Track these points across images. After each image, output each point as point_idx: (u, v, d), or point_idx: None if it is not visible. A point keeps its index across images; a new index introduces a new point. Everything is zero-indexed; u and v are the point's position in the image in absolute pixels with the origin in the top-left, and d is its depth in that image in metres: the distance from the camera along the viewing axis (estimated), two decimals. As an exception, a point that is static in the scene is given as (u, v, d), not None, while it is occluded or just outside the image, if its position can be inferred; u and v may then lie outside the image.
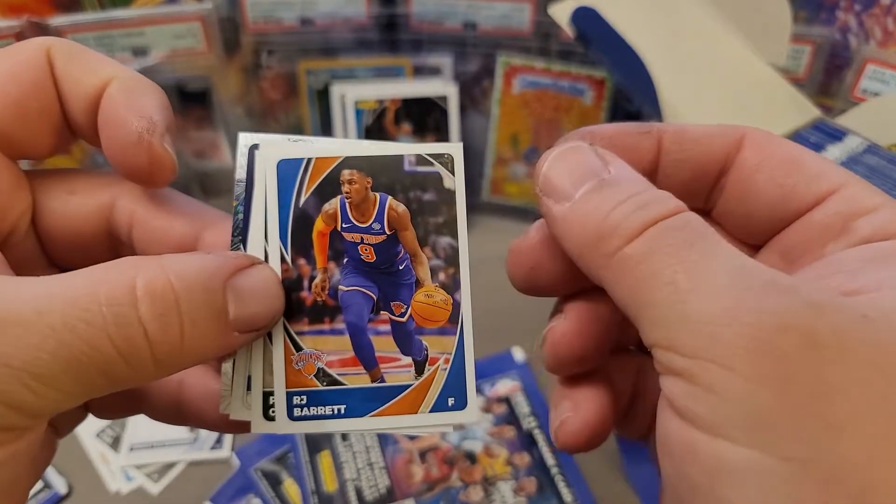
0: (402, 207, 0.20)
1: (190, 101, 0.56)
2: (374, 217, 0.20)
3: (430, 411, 0.20)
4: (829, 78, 0.53)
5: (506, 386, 0.45)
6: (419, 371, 0.20)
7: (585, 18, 0.43)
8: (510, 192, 0.62)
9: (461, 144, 0.21)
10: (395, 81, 0.58)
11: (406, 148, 0.20)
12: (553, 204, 0.18)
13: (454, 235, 0.20)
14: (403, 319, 0.20)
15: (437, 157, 0.20)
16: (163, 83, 0.58)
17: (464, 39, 0.57)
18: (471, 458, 0.41)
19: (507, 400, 0.44)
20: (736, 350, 0.13)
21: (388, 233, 0.20)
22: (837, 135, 0.42)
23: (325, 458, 0.40)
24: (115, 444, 0.44)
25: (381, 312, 0.20)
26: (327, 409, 0.19)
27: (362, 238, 0.20)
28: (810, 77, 0.52)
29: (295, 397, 0.19)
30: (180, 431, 0.44)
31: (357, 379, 0.19)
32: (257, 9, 0.55)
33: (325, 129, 0.60)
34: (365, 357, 0.20)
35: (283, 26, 0.56)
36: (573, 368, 0.20)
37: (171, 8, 0.54)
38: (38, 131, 0.20)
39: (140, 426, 0.44)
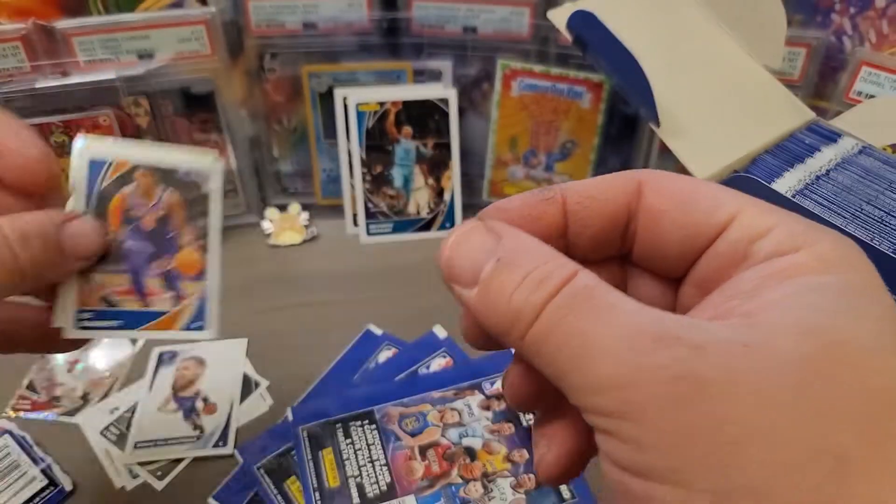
0: (175, 197, 0.29)
1: (194, 103, 0.57)
2: (153, 201, 0.29)
3: (181, 329, 0.30)
4: (823, 80, 0.53)
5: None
6: (175, 303, 0.30)
7: (582, 22, 0.43)
8: (509, 193, 0.63)
9: (221, 164, 0.30)
10: (396, 85, 0.59)
11: (179, 160, 0.29)
12: (462, 290, 0.19)
13: (206, 218, 0.30)
14: (169, 268, 0.30)
15: (198, 172, 0.30)
16: (167, 86, 0.59)
17: (464, 43, 0.58)
18: (471, 454, 0.41)
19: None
20: (642, 407, 0.15)
21: (163, 212, 0.30)
22: (832, 136, 0.43)
23: (327, 456, 0.41)
24: (120, 441, 0.44)
25: (154, 263, 0.30)
26: (108, 323, 0.29)
27: (146, 214, 0.30)
28: (805, 79, 0.53)
29: (84, 313, 0.29)
30: (184, 429, 0.45)
31: (132, 304, 0.30)
32: (261, 13, 0.56)
33: (329, 130, 0.61)
34: (139, 290, 0.30)
35: (286, 30, 0.57)
36: (533, 406, 0.22)
37: (176, 12, 0.55)
38: None
39: (145, 424, 0.45)
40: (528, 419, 0.42)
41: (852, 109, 0.47)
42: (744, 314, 0.16)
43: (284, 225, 0.62)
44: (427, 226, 0.62)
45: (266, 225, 0.62)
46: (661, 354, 0.15)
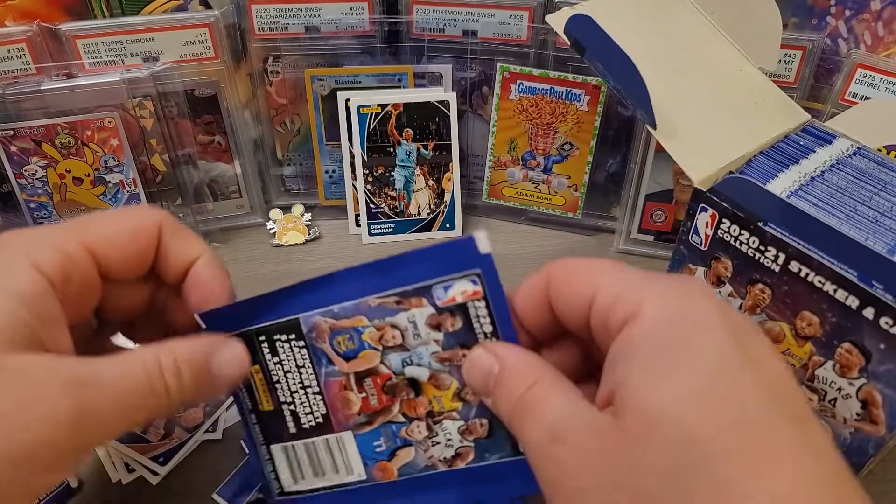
0: None
1: (198, 106, 0.58)
2: None
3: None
4: (819, 82, 0.54)
5: (462, 290, 0.29)
6: None
7: (580, 26, 0.43)
8: (507, 194, 0.63)
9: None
10: (397, 88, 0.59)
11: None
12: (485, 398, 0.28)
13: None
14: None
15: None
16: (172, 88, 0.59)
17: (464, 47, 0.58)
18: (415, 387, 0.32)
19: (462, 309, 0.29)
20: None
21: None
22: (827, 138, 0.43)
23: (257, 374, 0.34)
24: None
25: None
26: None
27: None
28: (801, 82, 0.53)
29: None
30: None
31: None
32: (264, 17, 0.56)
33: (331, 132, 0.61)
34: None
35: (288, 34, 0.57)
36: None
37: (180, 15, 0.55)
38: (131, 273, 0.31)
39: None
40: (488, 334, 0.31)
41: (847, 111, 0.47)
42: (604, 399, 0.23)
43: (288, 225, 0.62)
44: (428, 226, 0.62)
45: (270, 225, 0.62)
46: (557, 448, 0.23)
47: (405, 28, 0.57)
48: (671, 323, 0.21)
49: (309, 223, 0.63)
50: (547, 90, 0.57)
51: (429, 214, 0.62)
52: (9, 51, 0.52)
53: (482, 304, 0.28)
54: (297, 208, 0.63)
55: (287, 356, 0.33)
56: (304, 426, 0.34)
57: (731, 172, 0.40)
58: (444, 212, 0.62)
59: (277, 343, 0.33)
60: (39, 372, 0.24)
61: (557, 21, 0.45)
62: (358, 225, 0.62)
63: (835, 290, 0.34)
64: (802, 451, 0.19)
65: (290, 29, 0.57)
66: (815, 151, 0.42)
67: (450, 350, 0.30)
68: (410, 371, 0.31)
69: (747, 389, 0.20)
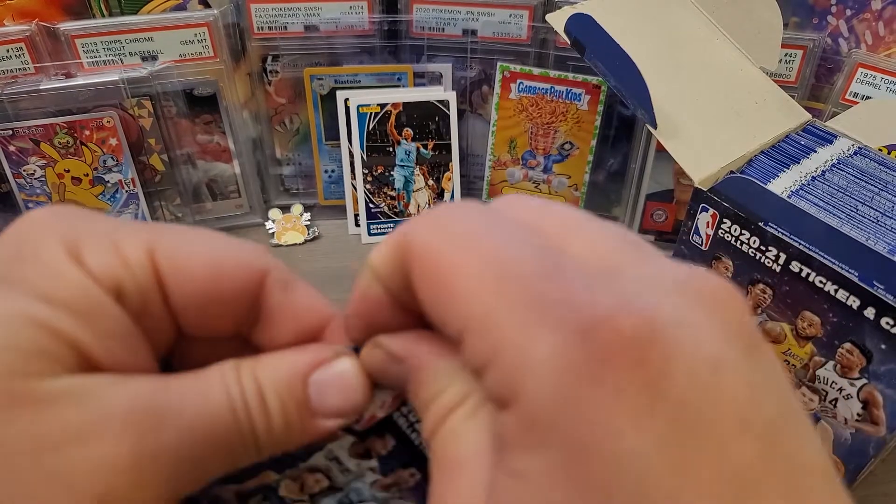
0: None
1: (197, 105, 0.57)
2: None
3: None
4: (819, 82, 0.54)
5: (382, 402, 0.22)
6: None
7: (580, 25, 0.43)
8: (508, 194, 0.63)
9: None
10: (397, 87, 0.59)
11: None
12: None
13: None
14: None
15: None
16: (171, 88, 0.59)
17: (463, 46, 0.58)
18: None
19: (389, 425, 0.22)
20: None
21: None
22: (828, 137, 0.43)
23: None
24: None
25: None
26: None
27: None
28: (801, 81, 0.53)
29: None
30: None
31: None
32: (263, 16, 0.56)
33: (331, 132, 0.61)
34: None
35: (288, 33, 0.57)
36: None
37: (179, 14, 0.55)
38: (209, 327, 0.20)
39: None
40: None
41: (848, 111, 0.47)
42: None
43: (287, 225, 0.62)
44: (427, 226, 0.62)
45: (269, 225, 0.62)
46: None
47: (405, 27, 0.57)
48: (562, 432, 0.13)
49: (308, 223, 0.62)
50: (547, 90, 0.57)
51: (428, 214, 0.62)
52: (7, 50, 0.52)
53: (407, 407, 0.21)
54: (297, 208, 0.63)
55: None
56: None
57: (731, 172, 0.40)
58: (443, 211, 0.62)
59: None
60: (92, 401, 0.16)
61: (558, 20, 0.45)
62: (357, 225, 0.62)
63: (836, 291, 0.34)
64: None
65: (290, 28, 0.57)
66: (815, 151, 0.42)
67: (392, 474, 0.23)
68: None
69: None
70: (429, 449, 0.18)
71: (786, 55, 0.52)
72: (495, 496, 0.14)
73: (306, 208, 0.63)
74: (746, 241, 0.38)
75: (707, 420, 0.13)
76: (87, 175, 0.55)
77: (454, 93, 0.58)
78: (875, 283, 0.33)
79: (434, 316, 0.16)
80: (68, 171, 0.55)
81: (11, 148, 0.53)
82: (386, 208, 0.61)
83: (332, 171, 0.63)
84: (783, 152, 0.42)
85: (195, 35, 0.54)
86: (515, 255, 0.15)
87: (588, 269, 0.15)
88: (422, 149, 0.60)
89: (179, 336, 0.20)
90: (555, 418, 0.13)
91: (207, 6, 0.57)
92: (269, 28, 0.57)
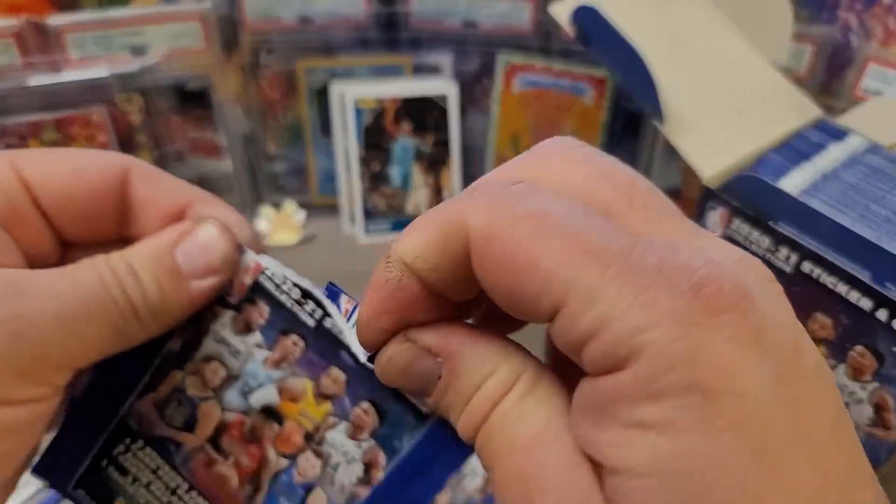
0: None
1: (189, 100, 0.57)
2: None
3: None
4: (830, 77, 0.54)
5: (245, 267, 0.24)
6: None
7: (586, 17, 0.43)
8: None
9: None
10: (394, 80, 0.58)
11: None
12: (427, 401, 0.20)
13: None
14: None
15: None
16: (162, 83, 0.58)
17: (464, 38, 0.58)
18: (274, 416, 0.26)
19: (259, 290, 0.24)
20: None
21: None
22: (839, 134, 0.43)
23: None
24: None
25: None
26: None
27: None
28: (812, 76, 0.53)
29: None
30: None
31: None
32: (256, 7, 0.56)
33: (325, 127, 0.60)
34: None
35: (281, 25, 0.57)
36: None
37: (170, 7, 0.55)
38: (87, 233, 0.23)
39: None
40: (311, 311, 0.24)
41: (859, 107, 0.47)
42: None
43: (280, 224, 0.62)
44: (426, 225, 0.62)
45: (261, 224, 0.62)
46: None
47: (403, 18, 0.57)
48: (681, 381, 0.14)
49: (302, 222, 0.62)
50: (551, 83, 0.57)
51: (427, 212, 0.61)
52: (-5, 44, 0.51)
53: (271, 269, 0.24)
54: (290, 206, 0.63)
55: (137, 467, 0.27)
56: None
57: (741, 169, 0.40)
58: (442, 210, 0.61)
59: (120, 459, 0.26)
60: None
61: (562, 11, 0.45)
62: (353, 223, 0.62)
63: (847, 292, 0.34)
64: None
65: (284, 20, 0.57)
66: (827, 148, 0.42)
67: (278, 346, 0.25)
68: (256, 399, 0.25)
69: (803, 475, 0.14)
70: (472, 441, 0.18)
71: (796, 49, 0.52)
72: (617, 452, 0.15)
73: (300, 206, 0.63)
74: (757, 241, 0.38)
75: (800, 368, 0.15)
76: (76, 172, 0.54)
77: (454, 86, 0.58)
78: (888, 283, 0.32)
79: (511, 298, 0.16)
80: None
81: (-3, 144, 0.52)
82: (383, 206, 0.61)
83: (327, 167, 0.62)
84: (794, 149, 0.42)
85: (186, 28, 0.54)
86: (591, 229, 0.16)
87: (653, 239, 0.16)
88: (420, 144, 0.59)
89: (64, 247, 0.23)
90: (681, 366, 0.14)
91: (199, -3, 0.56)
92: (263, 20, 0.57)
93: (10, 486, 0.22)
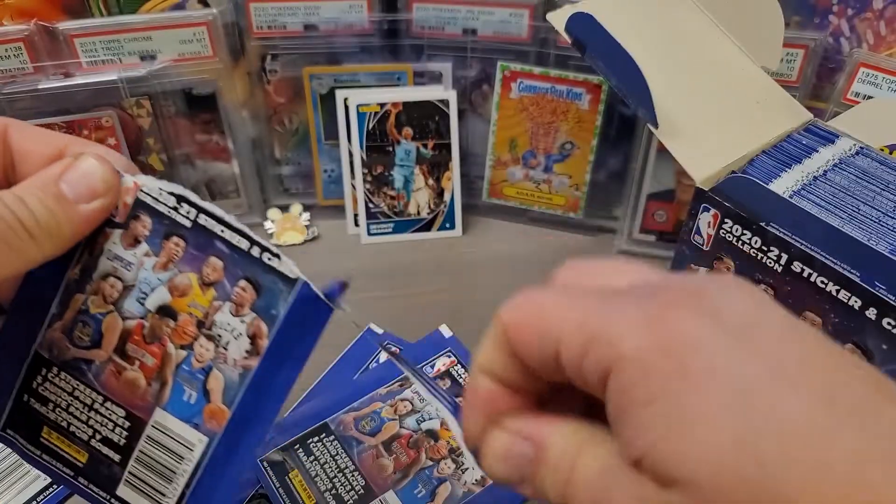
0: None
1: (196, 105, 0.57)
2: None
3: None
4: (821, 81, 0.54)
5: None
6: None
7: (581, 24, 0.43)
8: (508, 193, 0.63)
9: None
10: (396, 86, 0.59)
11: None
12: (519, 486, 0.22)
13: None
14: None
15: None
16: (170, 87, 0.59)
17: (464, 45, 0.58)
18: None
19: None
20: None
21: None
22: (829, 137, 0.43)
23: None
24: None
25: None
26: None
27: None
28: (803, 81, 0.53)
29: None
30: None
31: None
32: (262, 15, 0.56)
33: (330, 131, 0.61)
34: None
35: (287, 32, 0.57)
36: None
37: (178, 13, 0.55)
38: None
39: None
40: (186, 213, 0.30)
41: (850, 110, 0.47)
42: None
43: (286, 225, 0.62)
44: (427, 226, 0.62)
45: (268, 225, 0.62)
46: None
47: (404, 26, 0.57)
48: (658, 359, 0.17)
49: (307, 223, 0.62)
50: (548, 89, 0.57)
51: (428, 214, 0.62)
52: (6, 50, 0.52)
53: (147, 185, 0.27)
54: (296, 208, 0.63)
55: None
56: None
57: (733, 172, 0.40)
58: (443, 211, 0.62)
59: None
60: None
61: (558, 19, 0.45)
62: (357, 224, 0.62)
63: (837, 291, 0.34)
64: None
65: (289, 27, 0.57)
66: (817, 151, 0.42)
67: (163, 251, 0.28)
68: (152, 302, 0.29)
69: (790, 401, 0.16)
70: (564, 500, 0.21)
71: (787, 54, 0.52)
72: (635, 441, 0.17)
73: (305, 208, 0.63)
74: (748, 242, 0.38)
75: (755, 333, 0.17)
76: (86, 175, 0.55)
77: (454, 92, 0.58)
78: (877, 283, 0.33)
79: (546, 357, 0.19)
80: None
81: (10, 147, 0.52)
82: (385, 208, 0.61)
83: (332, 170, 0.63)
84: (785, 152, 0.42)
85: (194, 34, 0.54)
86: (580, 293, 0.19)
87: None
88: (422, 148, 0.60)
89: None
90: (655, 362, 0.17)
91: (206, 5, 0.57)
92: (269, 27, 0.57)
93: None
